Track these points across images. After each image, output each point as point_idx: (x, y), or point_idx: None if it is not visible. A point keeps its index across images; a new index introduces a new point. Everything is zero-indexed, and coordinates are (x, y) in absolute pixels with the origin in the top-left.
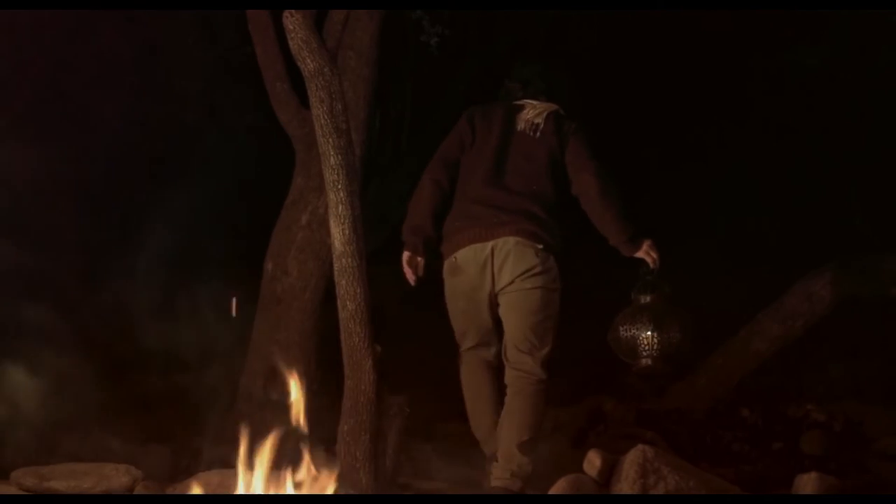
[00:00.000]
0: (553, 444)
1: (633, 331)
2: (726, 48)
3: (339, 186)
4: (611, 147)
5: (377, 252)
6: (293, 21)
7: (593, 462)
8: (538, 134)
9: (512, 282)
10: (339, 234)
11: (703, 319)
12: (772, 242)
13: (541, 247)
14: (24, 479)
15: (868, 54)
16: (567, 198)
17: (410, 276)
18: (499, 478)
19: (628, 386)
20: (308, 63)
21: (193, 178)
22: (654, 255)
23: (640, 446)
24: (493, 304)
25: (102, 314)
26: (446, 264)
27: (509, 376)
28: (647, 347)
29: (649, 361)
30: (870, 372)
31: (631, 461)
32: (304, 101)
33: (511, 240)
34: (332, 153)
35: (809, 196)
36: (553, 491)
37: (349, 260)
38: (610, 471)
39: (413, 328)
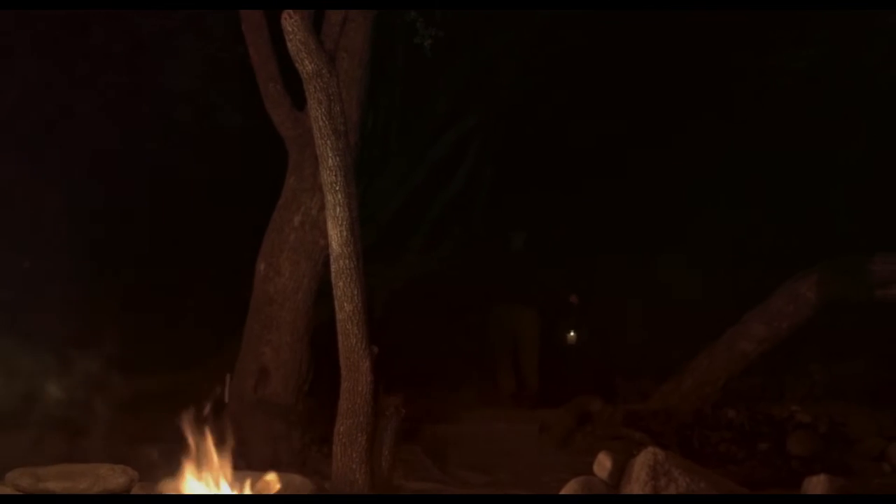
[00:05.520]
0: (541, 445)
1: None
2: (717, 50)
3: (338, 188)
4: (601, 148)
5: (364, 252)
6: (292, 23)
7: (603, 464)
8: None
9: None
10: (336, 235)
11: (689, 320)
12: (757, 244)
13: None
14: (20, 480)
15: (856, 57)
16: None
17: None
18: None
19: (616, 387)
20: (306, 65)
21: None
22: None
23: (650, 448)
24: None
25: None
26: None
27: None
28: None
29: None
30: (853, 373)
31: (642, 463)
32: (296, 102)
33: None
34: (330, 155)
35: (796, 198)
36: (565, 492)
37: (347, 261)
38: (620, 473)
39: (398, 328)
